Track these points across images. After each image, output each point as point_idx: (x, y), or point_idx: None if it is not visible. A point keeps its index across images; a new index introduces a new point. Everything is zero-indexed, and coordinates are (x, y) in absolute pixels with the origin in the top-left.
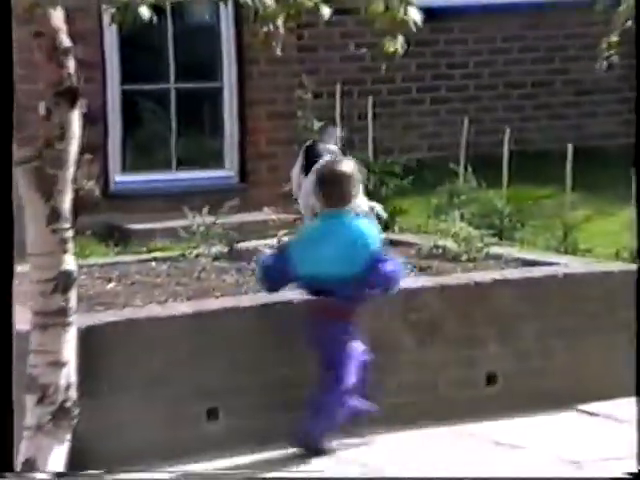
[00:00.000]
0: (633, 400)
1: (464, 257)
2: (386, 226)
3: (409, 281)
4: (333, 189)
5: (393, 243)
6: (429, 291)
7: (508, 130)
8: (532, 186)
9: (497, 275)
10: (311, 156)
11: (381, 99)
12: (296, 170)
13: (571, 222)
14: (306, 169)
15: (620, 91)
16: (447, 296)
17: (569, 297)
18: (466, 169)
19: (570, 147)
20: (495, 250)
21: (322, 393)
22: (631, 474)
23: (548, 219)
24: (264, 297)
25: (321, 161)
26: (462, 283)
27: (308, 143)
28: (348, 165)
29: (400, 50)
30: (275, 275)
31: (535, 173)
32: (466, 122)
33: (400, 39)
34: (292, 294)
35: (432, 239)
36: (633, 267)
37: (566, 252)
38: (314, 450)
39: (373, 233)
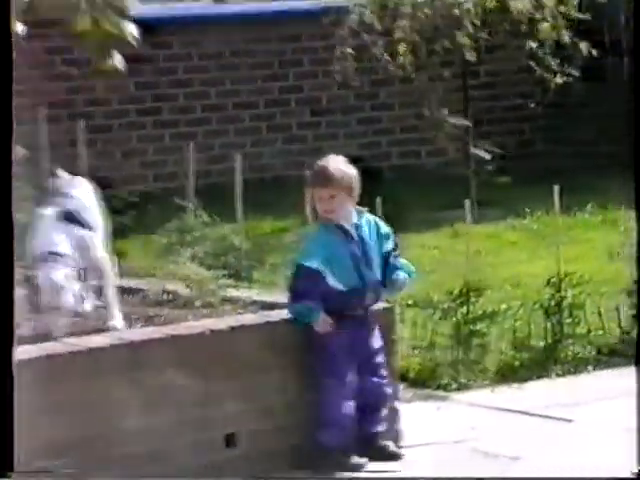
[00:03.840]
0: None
1: (197, 302)
2: None
3: (133, 333)
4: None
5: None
6: (157, 344)
7: (240, 156)
8: (270, 218)
9: (233, 321)
10: None
11: (95, 123)
12: None
13: None
14: None
15: (360, 110)
16: (178, 348)
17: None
18: (196, 201)
19: (309, 173)
20: (232, 293)
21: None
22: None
23: (289, 255)
24: None
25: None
26: (195, 332)
27: None
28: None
29: (120, 67)
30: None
31: (273, 203)
32: (192, 148)
33: (117, 56)
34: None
35: (160, 284)
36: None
37: None
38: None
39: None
